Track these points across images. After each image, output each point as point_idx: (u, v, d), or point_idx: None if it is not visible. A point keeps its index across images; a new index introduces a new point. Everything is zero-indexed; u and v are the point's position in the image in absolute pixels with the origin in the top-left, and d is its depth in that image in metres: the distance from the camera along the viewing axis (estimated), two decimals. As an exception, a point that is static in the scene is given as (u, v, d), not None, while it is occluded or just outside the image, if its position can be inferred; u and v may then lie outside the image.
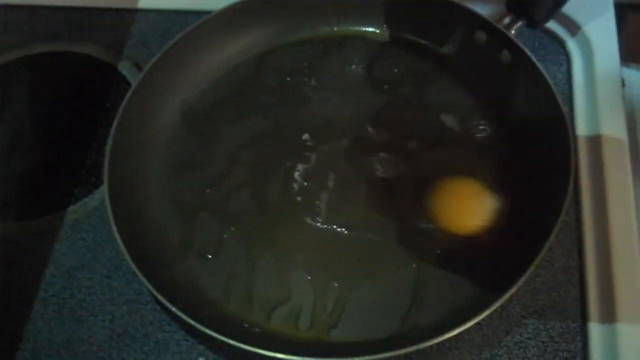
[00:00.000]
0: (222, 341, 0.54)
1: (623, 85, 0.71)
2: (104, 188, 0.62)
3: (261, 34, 0.77)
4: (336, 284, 0.61)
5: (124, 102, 0.67)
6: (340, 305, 0.60)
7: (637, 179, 0.66)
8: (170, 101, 0.72)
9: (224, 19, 0.74)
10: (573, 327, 0.59)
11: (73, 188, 0.70)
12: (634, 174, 0.64)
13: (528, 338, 0.58)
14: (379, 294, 0.60)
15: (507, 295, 0.53)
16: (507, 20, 0.70)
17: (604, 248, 0.61)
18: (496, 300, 0.53)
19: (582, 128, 0.68)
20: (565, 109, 0.62)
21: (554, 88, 0.63)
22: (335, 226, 0.64)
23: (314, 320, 0.60)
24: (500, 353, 0.58)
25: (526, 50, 0.66)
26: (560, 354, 0.58)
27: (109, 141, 0.65)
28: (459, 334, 0.53)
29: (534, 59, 0.65)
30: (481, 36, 0.70)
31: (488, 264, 0.61)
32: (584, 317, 0.59)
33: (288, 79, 0.75)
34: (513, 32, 0.69)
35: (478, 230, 0.63)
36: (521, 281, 0.54)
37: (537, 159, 0.64)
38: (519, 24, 0.70)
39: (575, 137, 0.67)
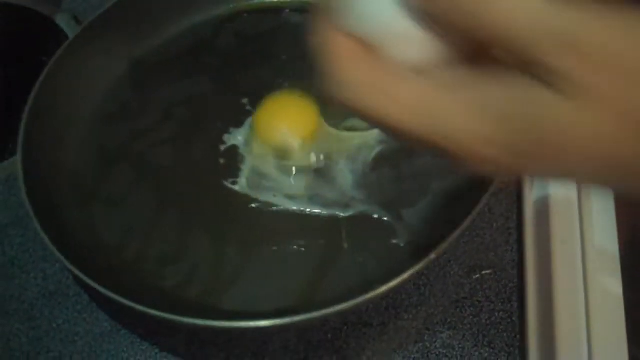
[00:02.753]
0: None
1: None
2: (20, 132, 0.61)
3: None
4: (237, 249, 0.59)
5: (57, 53, 0.65)
6: (236, 271, 0.58)
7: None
8: (115, 53, 0.71)
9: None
10: (510, 288, 0.59)
11: (7, 143, 0.68)
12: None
13: (464, 298, 0.58)
14: (281, 264, 0.59)
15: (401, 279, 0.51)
16: None
17: (544, 209, 0.61)
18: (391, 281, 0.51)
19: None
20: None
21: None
22: (251, 193, 0.62)
23: (208, 283, 0.58)
24: (436, 312, 0.58)
25: None
26: (497, 314, 0.58)
27: (35, 88, 0.63)
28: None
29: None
30: None
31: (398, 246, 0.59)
32: (521, 278, 0.59)
33: (244, 44, 0.74)
34: None
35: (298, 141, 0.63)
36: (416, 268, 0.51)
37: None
38: None
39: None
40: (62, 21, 0.74)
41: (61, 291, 0.60)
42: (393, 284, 0.50)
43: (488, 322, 0.57)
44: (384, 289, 0.50)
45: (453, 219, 0.56)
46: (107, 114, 0.68)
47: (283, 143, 0.63)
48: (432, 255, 0.51)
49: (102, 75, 0.70)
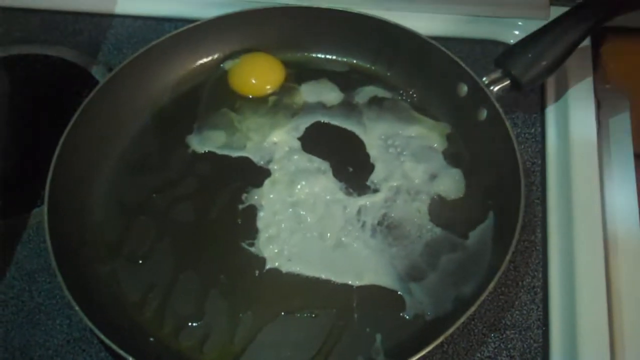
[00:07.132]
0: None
1: (599, 106, 0.71)
2: (47, 181, 0.62)
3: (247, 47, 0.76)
4: (251, 313, 0.60)
5: (86, 100, 0.67)
6: (250, 336, 0.59)
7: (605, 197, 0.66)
8: (140, 101, 0.72)
9: (204, 30, 0.74)
10: (535, 347, 0.58)
11: (39, 190, 0.69)
12: (601, 194, 0.64)
13: (488, 357, 0.58)
14: (292, 331, 0.59)
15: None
16: (494, 76, 0.66)
17: (569, 268, 0.60)
18: None
19: (552, 145, 0.69)
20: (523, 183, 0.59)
21: (519, 160, 0.60)
22: (268, 256, 0.63)
23: (221, 346, 0.58)
24: (460, 371, 0.58)
25: (503, 115, 0.63)
26: (521, 374, 0.57)
27: (62, 137, 0.64)
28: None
29: (509, 128, 0.62)
30: (462, 88, 0.68)
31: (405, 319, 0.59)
32: (545, 338, 0.59)
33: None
34: (496, 89, 0.66)
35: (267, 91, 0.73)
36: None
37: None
38: (505, 83, 0.66)
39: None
40: (98, 73, 0.76)
41: (86, 338, 0.61)
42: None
43: (512, 382, 0.57)
44: None
45: (459, 296, 0.58)
46: (130, 165, 0.69)
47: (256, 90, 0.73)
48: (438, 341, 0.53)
49: (127, 123, 0.71)
